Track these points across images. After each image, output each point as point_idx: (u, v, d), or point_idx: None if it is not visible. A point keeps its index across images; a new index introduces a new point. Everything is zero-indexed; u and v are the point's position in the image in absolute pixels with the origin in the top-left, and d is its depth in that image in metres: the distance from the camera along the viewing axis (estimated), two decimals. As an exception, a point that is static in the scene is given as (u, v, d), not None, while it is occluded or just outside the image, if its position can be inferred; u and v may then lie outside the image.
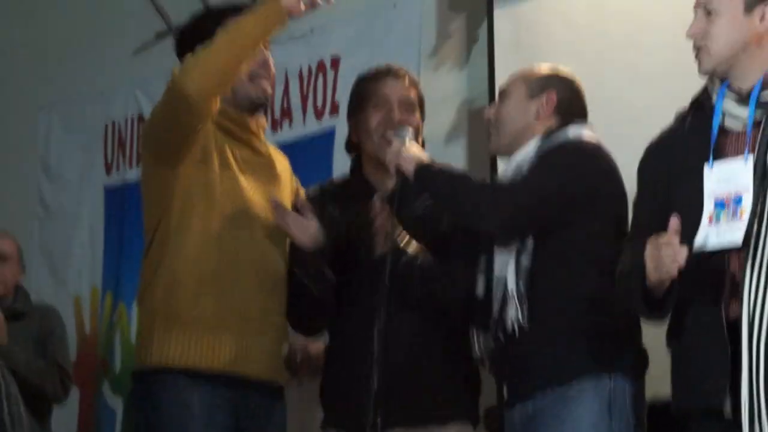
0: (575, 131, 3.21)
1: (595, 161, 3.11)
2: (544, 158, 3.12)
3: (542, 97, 3.25)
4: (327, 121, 5.09)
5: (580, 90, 3.31)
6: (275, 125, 5.27)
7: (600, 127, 3.28)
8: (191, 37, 3.29)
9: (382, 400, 3.12)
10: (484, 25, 4.64)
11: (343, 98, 4.96)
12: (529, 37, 4.45)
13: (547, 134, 3.20)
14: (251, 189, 3.23)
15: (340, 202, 3.40)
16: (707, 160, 2.74)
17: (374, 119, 3.38)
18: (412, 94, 3.43)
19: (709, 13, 2.80)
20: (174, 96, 3.08)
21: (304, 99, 5.15)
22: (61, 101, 5.89)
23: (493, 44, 4.54)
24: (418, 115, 3.42)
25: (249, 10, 3.11)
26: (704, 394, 2.67)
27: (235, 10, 3.26)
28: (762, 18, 2.78)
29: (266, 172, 3.30)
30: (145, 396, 3.15)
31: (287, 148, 5.30)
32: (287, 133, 5.23)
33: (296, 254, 3.26)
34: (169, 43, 5.53)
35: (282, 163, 3.42)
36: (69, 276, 5.58)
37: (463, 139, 4.67)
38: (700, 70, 2.83)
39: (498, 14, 4.55)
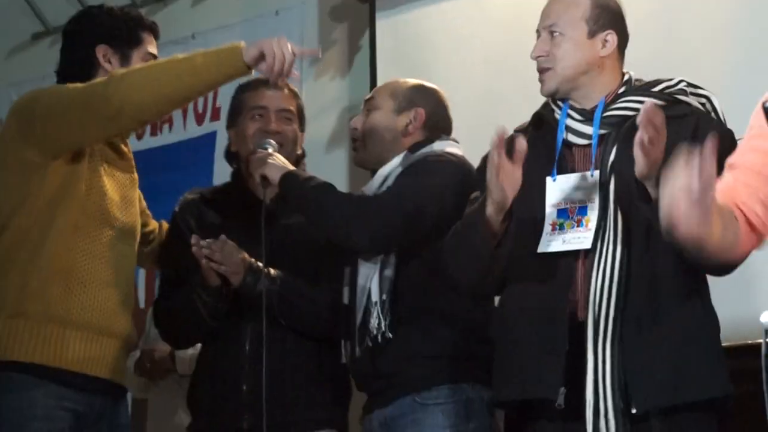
0: (441, 146, 3.26)
1: (459, 175, 3.15)
2: (409, 171, 3.17)
3: (410, 113, 3.30)
4: (208, 125, 5.11)
5: (447, 105, 3.36)
6: (155, 129, 5.26)
7: (476, 140, 3.34)
8: (80, 36, 3.26)
9: (250, 406, 3.17)
10: (366, 34, 4.70)
11: (224, 103, 5.02)
12: (409, 47, 4.52)
13: (414, 148, 3.25)
14: (113, 189, 3.20)
15: (220, 210, 3.42)
16: (549, 173, 2.84)
17: (251, 129, 3.40)
18: (290, 105, 3.45)
19: (553, 35, 2.90)
20: (104, 100, 3.00)
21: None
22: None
23: (375, 53, 4.60)
24: (295, 125, 3.44)
25: (207, 51, 3.03)
26: (535, 388, 2.74)
27: (117, 12, 3.28)
28: (603, 44, 2.90)
29: (127, 174, 3.27)
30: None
31: (168, 151, 5.35)
32: (167, 136, 5.23)
33: (200, 278, 3.25)
34: (44, 45, 5.53)
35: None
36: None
37: (344, 147, 4.71)
38: (543, 90, 2.92)
39: (380, 24, 4.61)
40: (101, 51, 3.23)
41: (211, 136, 5.11)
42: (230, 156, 3.48)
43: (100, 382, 3.09)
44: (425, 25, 4.54)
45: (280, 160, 3.24)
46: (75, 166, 3.11)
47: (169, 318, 3.38)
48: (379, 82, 4.44)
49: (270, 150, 3.27)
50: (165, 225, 3.50)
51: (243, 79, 3.29)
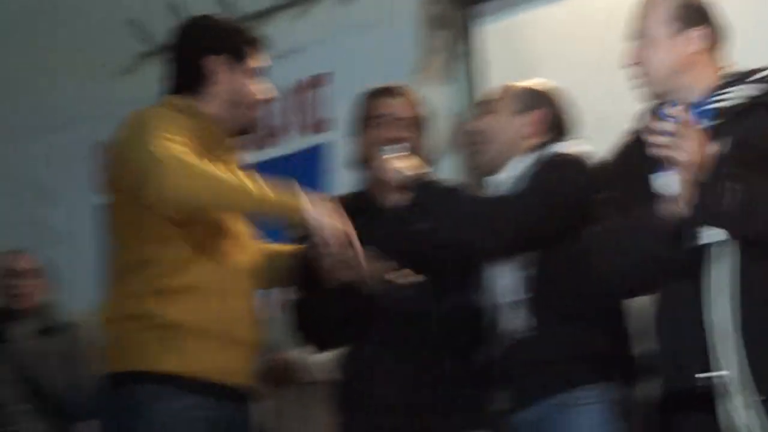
0: (565, 146, 3.25)
1: (586, 175, 3.14)
2: (539, 173, 3.16)
3: (530, 114, 3.29)
4: (314, 137, 5.16)
5: (568, 105, 3.35)
6: (262, 142, 5.33)
7: (589, 139, 3.32)
8: (187, 48, 3.27)
9: (390, 409, 3.21)
10: (465, 41, 4.72)
11: (334, 114, 5.09)
12: (512, 52, 4.53)
13: (537, 150, 3.24)
14: None
15: (349, 218, 3.43)
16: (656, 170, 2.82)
17: (375, 136, 3.42)
18: (411, 112, 3.47)
19: (640, 41, 2.90)
20: (151, 190, 2.92)
21: (291, 116, 5.21)
22: (51, 125, 5.95)
23: (475, 60, 4.62)
24: (417, 132, 3.45)
25: (273, 198, 2.97)
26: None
27: (224, 23, 3.30)
28: (691, 41, 2.89)
29: None
30: (126, 400, 3.05)
31: (273, 165, 5.42)
32: (273, 150, 5.29)
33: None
34: (152, 63, 5.64)
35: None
36: (69, 293, 5.63)
37: (447, 154, 4.74)
38: (645, 97, 2.92)
39: (481, 31, 4.63)
40: (209, 62, 3.23)
41: (318, 149, 5.16)
42: (355, 164, 3.52)
43: (232, 390, 3.13)
44: (528, 30, 4.55)
45: (408, 166, 3.25)
46: None
47: (314, 320, 3.38)
48: (482, 89, 4.46)
49: (398, 155, 3.29)
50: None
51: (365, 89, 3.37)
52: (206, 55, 3.23)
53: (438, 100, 4.84)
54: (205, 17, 3.33)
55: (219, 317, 3.10)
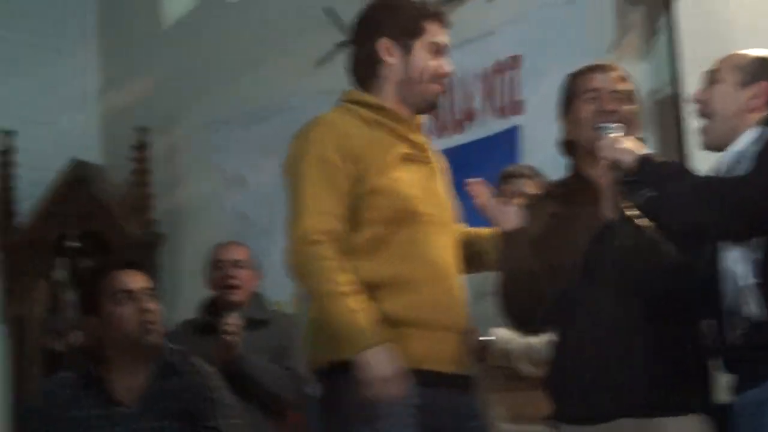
0: None
1: None
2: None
3: (755, 86, 3.17)
4: (509, 120, 5.14)
5: None
6: (457, 127, 5.33)
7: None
8: (362, 33, 3.30)
9: (614, 388, 3.14)
10: (664, 16, 4.63)
11: (527, 96, 5.06)
12: (714, 26, 4.41)
13: (763, 125, 3.11)
14: (413, 184, 3.21)
15: (563, 202, 3.38)
16: None
17: (585, 113, 3.37)
18: (623, 87, 3.41)
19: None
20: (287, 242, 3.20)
21: (485, 99, 5.20)
22: (249, 118, 6.06)
23: (674, 35, 4.52)
24: (630, 107, 3.40)
25: (351, 334, 3.04)
26: None
27: (398, 3, 3.30)
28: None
29: (425, 165, 3.29)
30: (339, 391, 3.12)
31: (470, 148, 5.43)
32: (469, 134, 5.29)
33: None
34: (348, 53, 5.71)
35: (437, 158, 3.39)
36: (270, 283, 5.74)
37: (648, 131, 4.65)
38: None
39: (679, 4, 4.53)
40: (383, 45, 3.25)
41: (513, 132, 5.13)
42: (565, 146, 3.47)
43: (449, 378, 3.16)
44: (728, 4, 4.43)
45: (628, 144, 3.17)
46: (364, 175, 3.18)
47: (522, 301, 3.34)
48: (685, 64, 4.36)
49: (616, 134, 3.21)
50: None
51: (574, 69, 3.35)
52: (378, 39, 3.25)
53: (636, 77, 4.75)
54: (381, 0, 3.35)
55: (428, 306, 3.13)
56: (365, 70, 3.28)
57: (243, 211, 6.03)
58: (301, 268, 3.12)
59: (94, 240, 6.31)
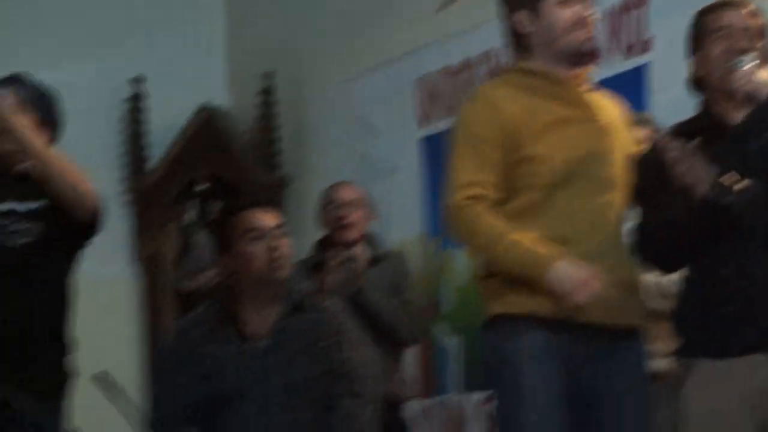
0: None
1: None
2: None
3: None
4: (637, 59, 5.08)
5: None
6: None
7: None
8: (502, 6, 3.37)
9: (757, 322, 3.11)
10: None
11: (655, 34, 4.99)
12: None
13: None
14: (576, 145, 3.26)
15: (690, 140, 3.29)
16: None
17: (716, 50, 3.32)
18: (754, 22, 3.35)
19: None
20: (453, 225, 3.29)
21: (611, 38, 5.14)
22: (373, 62, 6.09)
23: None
24: (762, 43, 3.34)
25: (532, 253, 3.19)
26: None
27: None
28: None
29: (587, 124, 3.30)
30: (490, 341, 3.31)
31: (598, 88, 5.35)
32: (595, 73, 5.23)
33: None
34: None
35: (610, 109, 3.40)
36: (393, 224, 5.79)
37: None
38: None
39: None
40: (516, 19, 3.33)
41: (640, 70, 5.07)
42: (695, 84, 3.43)
43: (594, 327, 3.23)
44: None
45: (764, 75, 3.13)
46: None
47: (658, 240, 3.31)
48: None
49: (751, 65, 3.16)
50: None
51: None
52: (512, 14, 3.34)
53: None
54: None
55: (582, 261, 3.18)
56: (514, 44, 3.37)
57: (368, 155, 6.07)
58: (461, 232, 3.25)
59: (223, 184, 6.42)
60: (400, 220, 5.81)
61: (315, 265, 4.87)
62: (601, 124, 3.34)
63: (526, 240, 3.19)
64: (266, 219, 3.78)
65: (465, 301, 4.70)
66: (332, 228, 4.90)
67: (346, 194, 4.95)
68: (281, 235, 3.78)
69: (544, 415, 3.20)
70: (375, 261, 4.85)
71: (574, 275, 3.14)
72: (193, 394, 3.71)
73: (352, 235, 4.87)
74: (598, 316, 3.23)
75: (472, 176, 3.24)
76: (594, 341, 3.25)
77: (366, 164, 6.04)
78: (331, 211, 4.91)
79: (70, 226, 3.64)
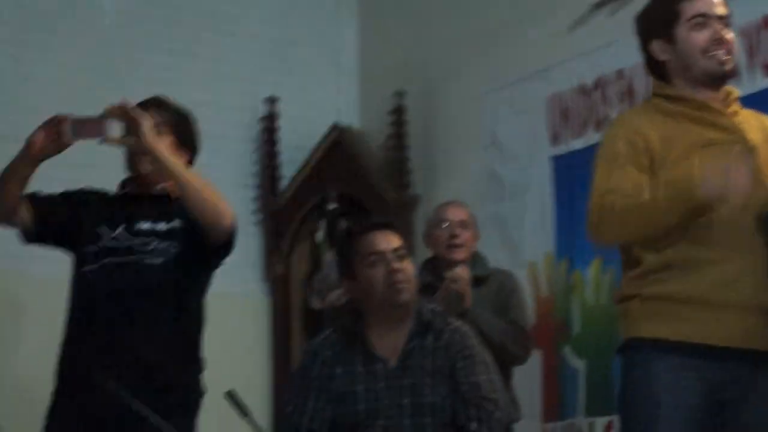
0: None
1: None
2: None
3: None
4: (772, 78, 4.98)
5: None
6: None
7: None
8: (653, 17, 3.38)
9: None
10: None
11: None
12: None
13: None
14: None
15: None
16: None
17: None
18: None
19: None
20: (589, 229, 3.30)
21: (750, 55, 5.04)
22: (504, 80, 6.07)
23: None
24: None
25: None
26: None
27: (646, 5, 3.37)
28: None
29: (734, 145, 3.26)
30: (625, 365, 3.34)
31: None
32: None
33: None
34: (604, 14, 5.64)
35: (760, 129, 3.36)
36: (522, 244, 5.74)
37: None
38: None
39: None
40: (654, 49, 3.35)
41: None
42: None
43: (724, 351, 3.20)
44: None
45: None
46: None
47: None
48: None
49: None
50: None
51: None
52: (648, 44, 3.37)
53: None
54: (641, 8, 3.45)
55: (715, 285, 3.20)
56: (653, 72, 3.40)
57: (498, 174, 6.04)
58: (610, 225, 3.23)
59: (353, 203, 6.45)
60: (530, 240, 5.76)
61: (424, 287, 4.86)
62: (747, 144, 3.29)
63: (665, 174, 3.18)
64: (386, 242, 3.78)
65: (592, 323, 4.65)
66: (442, 247, 4.89)
67: (457, 214, 4.94)
68: (402, 258, 3.77)
69: None
70: (480, 281, 4.82)
71: (719, 169, 3.09)
72: (325, 416, 3.73)
73: (461, 255, 4.86)
74: (737, 341, 3.20)
75: (610, 184, 3.23)
76: (733, 367, 3.21)
77: (496, 183, 6.00)
78: (442, 230, 4.90)
79: (207, 245, 3.70)
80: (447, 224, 4.89)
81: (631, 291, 3.30)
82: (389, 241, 3.79)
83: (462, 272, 4.67)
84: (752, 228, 3.23)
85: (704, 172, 3.10)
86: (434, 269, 4.88)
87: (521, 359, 4.88)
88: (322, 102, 6.72)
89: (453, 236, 4.86)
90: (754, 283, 3.22)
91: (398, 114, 6.44)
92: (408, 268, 3.78)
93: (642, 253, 3.28)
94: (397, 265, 3.75)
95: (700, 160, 3.13)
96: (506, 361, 4.79)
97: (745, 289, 3.20)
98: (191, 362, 3.80)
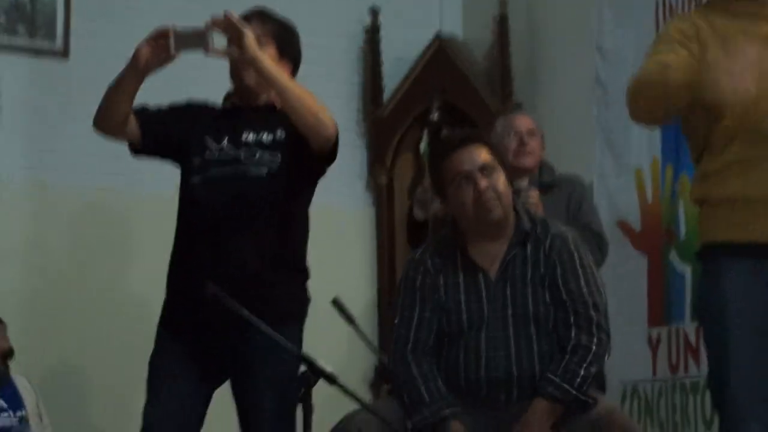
0: None
1: None
2: None
3: None
4: None
5: None
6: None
7: None
8: None
9: None
10: None
11: None
12: None
13: None
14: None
15: None
16: None
17: None
18: None
19: None
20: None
21: None
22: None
23: None
24: None
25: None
26: None
27: None
28: None
29: None
30: (701, 272, 3.32)
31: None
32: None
33: None
34: None
35: None
36: (628, 150, 5.69)
37: None
38: None
39: None
40: None
41: None
42: None
43: None
44: None
45: None
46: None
47: None
48: None
49: None
50: None
51: None
52: None
53: None
54: None
55: (759, 184, 3.16)
56: None
57: (601, 79, 5.98)
58: (632, 98, 3.25)
59: (456, 112, 6.43)
60: (635, 146, 5.71)
61: None
62: None
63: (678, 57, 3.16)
64: (471, 160, 3.74)
65: (696, 228, 4.58)
66: (511, 155, 4.90)
67: (524, 123, 4.98)
68: (490, 173, 3.74)
69: (744, 343, 3.14)
70: (549, 187, 4.83)
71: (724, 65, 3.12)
72: (432, 326, 3.76)
73: (530, 161, 4.90)
74: None
75: (658, 57, 3.22)
76: None
77: (601, 89, 5.94)
78: (512, 139, 4.90)
79: (311, 155, 3.73)
80: (515, 133, 4.91)
81: (697, 194, 3.29)
82: (475, 158, 3.74)
83: (532, 194, 4.68)
84: None
85: (715, 72, 3.13)
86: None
87: (598, 264, 4.90)
88: (424, 12, 6.69)
89: (522, 144, 4.87)
90: None
91: (501, 22, 6.39)
92: (498, 182, 3.74)
93: (701, 154, 3.26)
94: (484, 183, 3.72)
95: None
96: None
97: None
98: (297, 271, 3.85)
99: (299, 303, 3.85)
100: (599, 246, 4.85)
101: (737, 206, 3.19)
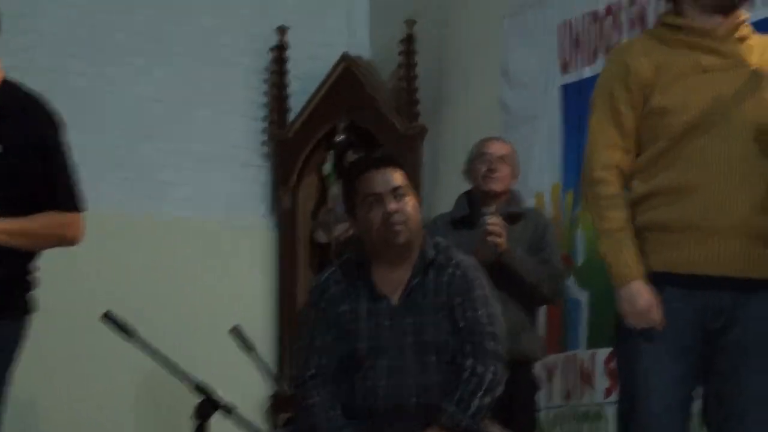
0: None
1: None
2: None
3: None
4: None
5: None
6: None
7: None
8: None
9: None
10: None
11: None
12: None
13: None
14: (716, 94, 3.22)
15: None
16: None
17: None
18: None
19: None
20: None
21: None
22: (514, 8, 6.00)
23: None
24: None
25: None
26: None
27: None
28: None
29: (739, 70, 3.25)
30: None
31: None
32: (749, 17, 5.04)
33: None
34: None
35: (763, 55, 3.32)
36: (529, 174, 5.70)
37: None
38: None
39: None
40: None
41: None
42: None
43: (724, 280, 3.19)
44: None
45: None
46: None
47: None
48: None
49: None
50: None
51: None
52: None
53: None
54: None
55: (701, 211, 3.18)
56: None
57: (507, 102, 5.99)
58: (588, 207, 3.39)
59: (362, 133, 6.40)
60: (537, 171, 5.73)
61: (461, 221, 4.85)
62: (750, 69, 3.25)
63: (625, 247, 3.23)
64: (383, 182, 3.70)
65: (595, 254, 4.60)
66: (479, 179, 4.88)
67: (498, 148, 4.94)
68: (401, 197, 3.71)
69: (657, 368, 3.19)
70: (515, 218, 4.81)
71: (638, 302, 3.19)
72: (334, 352, 3.72)
73: (497, 187, 4.84)
74: (731, 269, 3.18)
75: (607, 138, 3.28)
76: (728, 294, 3.19)
77: (505, 113, 5.96)
78: (482, 163, 4.88)
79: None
80: (486, 157, 4.88)
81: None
82: (389, 180, 3.71)
83: (494, 221, 4.67)
84: (744, 152, 3.20)
85: (630, 289, 3.20)
86: (470, 202, 4.89)
87: (555, 298, 4.93)
88: (332, 31, 6.66)
89: (491, 169, 4.85)
90: (752, 206, 3.19)
91: (408, 43, 6.37)
92: (407, 206, 3.70)
93: (632, 182, 3.29)
94: (393, 206, 3.68)
95: (637, 275, 3.22)
96: (537, 300, 4.83)
97: (739, 213, 3.18)
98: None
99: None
100: (557, 283, 4.86)
101: (662, 233, 3.23)
